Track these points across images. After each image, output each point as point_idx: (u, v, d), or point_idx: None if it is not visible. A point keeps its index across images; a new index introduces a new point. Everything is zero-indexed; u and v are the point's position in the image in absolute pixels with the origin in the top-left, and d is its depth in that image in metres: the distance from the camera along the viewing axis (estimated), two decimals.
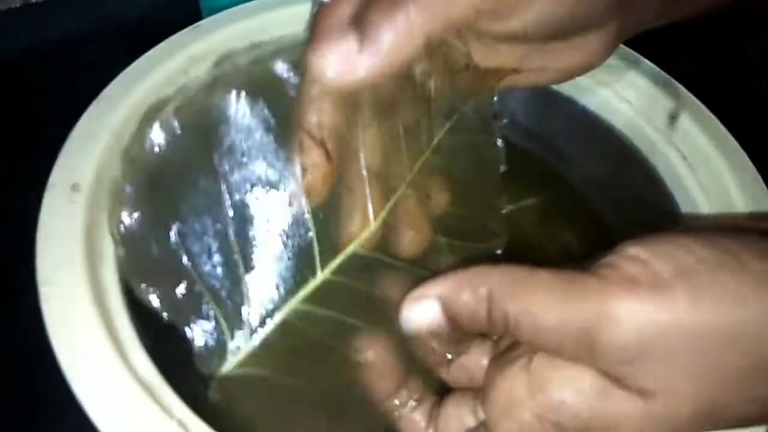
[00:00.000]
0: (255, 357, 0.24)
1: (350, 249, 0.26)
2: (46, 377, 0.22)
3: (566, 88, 0.36)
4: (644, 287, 0.18)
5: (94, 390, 0.22)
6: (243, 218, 0.24)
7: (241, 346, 0.24)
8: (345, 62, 0.22)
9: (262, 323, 0.24)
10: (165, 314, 0.23)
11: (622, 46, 0.36)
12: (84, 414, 0.21)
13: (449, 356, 0.25)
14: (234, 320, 0.24)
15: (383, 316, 0.25)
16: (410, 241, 0.26)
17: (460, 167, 0.29)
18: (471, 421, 0.24)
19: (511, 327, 0.20)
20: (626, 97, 0.35)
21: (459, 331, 0.22)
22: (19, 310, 0.25)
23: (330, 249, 0.25)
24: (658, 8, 0.27)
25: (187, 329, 0.24)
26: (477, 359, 0.25)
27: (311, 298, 0.25)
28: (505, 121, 0.37)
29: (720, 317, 0.18)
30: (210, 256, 0.24)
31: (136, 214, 0.23)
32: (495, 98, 0.29)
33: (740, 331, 0.18)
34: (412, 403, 0.25)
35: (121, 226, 0.23)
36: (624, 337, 0.18)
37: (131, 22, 0.56)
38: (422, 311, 0.22)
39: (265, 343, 0.24)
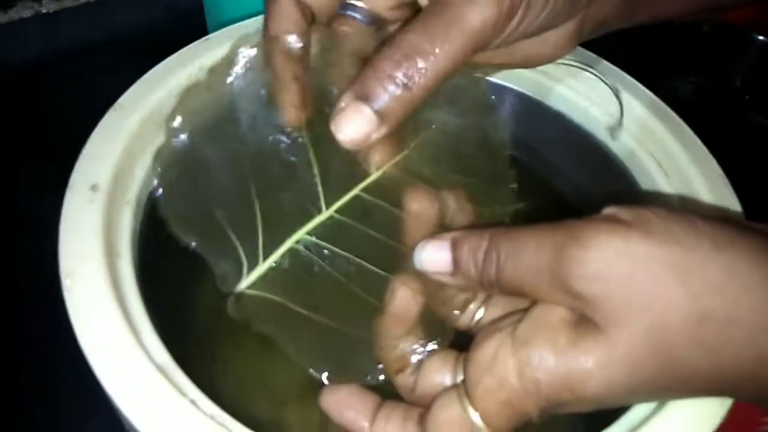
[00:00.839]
0: (267, 280, 0.27)
1: (353, 192, 0.29)
2: (69, 362, 0.24)
3: (554, 102, 0.38)
4: (606, 222, 0.21)
5: (113, 372, 0.23)
6: (258, 165, 0.28)
7: (254, 268, 0.27)
8: (364, 137, 0.26)
9: (273, 249, 0.27)
10: (193, 243, 0.27)
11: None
12: (105, 393, 0.23)
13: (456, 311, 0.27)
14: (248, 246, 0.27)
15: (389, 261, 0.27)
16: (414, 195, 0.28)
17: (466, 146, 0.31)
18: (449, 382, 0.25)
19: (500, 264, 0.23)
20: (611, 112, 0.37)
21: (460, 279, 0.24)
22: (44, 301, 0.27)
23: (335, 190, 0.29)
24: (620, 6, 0.29)
25: (209, 254, 0.27)
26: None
27: (316, 231, 0.28)
28: None
29: (668, 254, 0.20)
30: (231, 195, 0.28)
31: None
32: (484, 80, 0.32)
33: (686, 271, 0.20)
34: (422, 352, 0.26)
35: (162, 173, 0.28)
36: (586, 252, 0.21)
37: (140, 34, 0.58)
38: (435, 250, 0.25)
39: (276, 268, 0.27)
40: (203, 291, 0.32)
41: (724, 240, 0.20)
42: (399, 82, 0.25)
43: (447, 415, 0.24)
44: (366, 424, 0.25)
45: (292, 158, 0.29)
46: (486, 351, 0.23)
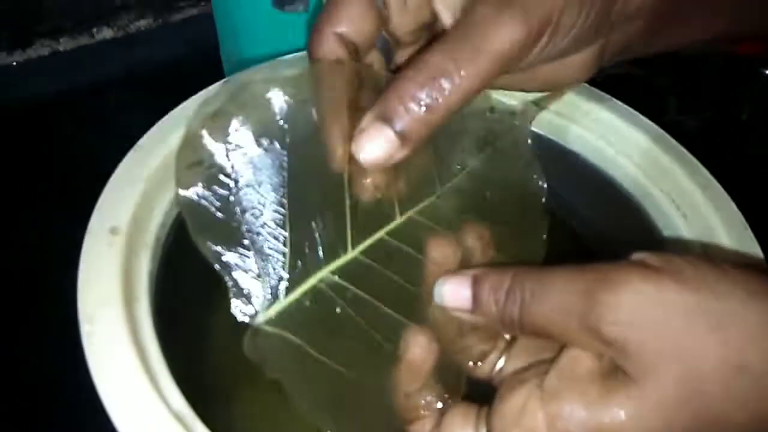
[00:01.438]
0: (286, 317, 0.26)
1: (379, 234, 0.28)
2: (86, 411, 0.24)
3: (569, 141, 0.38)
4: (637, 268, 0.21)
5: (130, 420, 0.23)
6: (295, 192, 0.27)
7: (275, 302, 0.26)
8: (386, 158, 0.26)
9: (296, 284, 0.26)
10: (216, 266, 0.26)
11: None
12: None
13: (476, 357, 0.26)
14: (272, 278, 0.26)
15: (409, 306, 0.27)
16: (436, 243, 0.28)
17: (498, 193, 0.31)
18: None
19: (525, 304, 0.22)
20: (627, 152, 0.38)
21: (480, 317, 0.24)
22: (63, 346, 0.27)
23: (361, 230, 0.28)
24: (640, 31, 0.29)
25: (230, 279, 0.26)
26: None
27: (341, 271, 0.27)
28: None
29: (702, 302, 0.20)
30: (258, 219, 0.26)
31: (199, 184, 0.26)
32: (529, 129, 0.32)
33: (720, 320, 0.20)
34: (436, 403, 0.26)
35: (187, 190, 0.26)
36: (618, 297, 0.20)
37: (156, 71, 0.59)
38: (455, 286, 0.25)
39: (298, 306, 0.26)
40: (223, 334, 0.32)
41: (757, 288, 0.20)
42: (422, 103, 0.25)
43: None
44: None
45: (330, 191, 0.28)
46: (513, 403, 0.23)
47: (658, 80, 0.59)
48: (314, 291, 0.27)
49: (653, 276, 0.21)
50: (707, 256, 0.24)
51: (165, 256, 0.30)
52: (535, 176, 0.32)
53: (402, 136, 0.25)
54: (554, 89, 0.31)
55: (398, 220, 0.29)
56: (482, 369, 0.27)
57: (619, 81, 0.39)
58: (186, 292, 0.28)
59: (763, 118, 0.59)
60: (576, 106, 0.38)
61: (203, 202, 0.26)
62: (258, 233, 0.26)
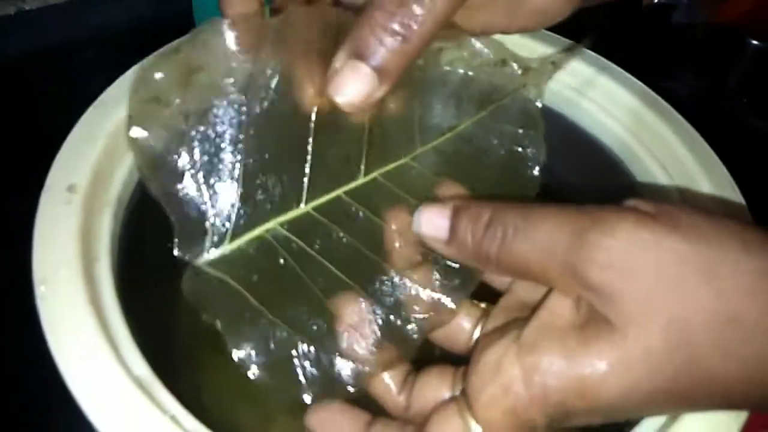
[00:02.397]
0: (229, 262, 0.25)
1: (336, 192, 0.27)
2: (42, 376, 0.22)
3: (555, 103, 0.37)
4: (630, 212, 0.20)
5: (89, 386, 0.22)
6: (256, 135, 0.25)
7: (220, 244, 0.25)
8: (365, 98, 0.24)
9: (242, 230, 0.25)
10: (163, 202, 0.25)
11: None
12: (80, 410, 0.22)
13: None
14: (220, 220, 0.25)
15: (359, 270, 0.26)
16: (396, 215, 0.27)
17: (486, 157, 0.30)
18: (447, 395, 0.23)
19: (507, 239, 0.21)
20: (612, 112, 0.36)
21: (454, 250, 0.23)
22: (17, 309, 0.25)
23: (318, 187, 0.26)
24: None
25: (175, 217, 0.25)
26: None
27: (290, 225, 0.26)
28: None
29: (697, 251, 0.19)
30: (212, 162, 0.25)
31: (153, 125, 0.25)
32: (542, 98, 0.31)
33: (715, 271, 0.19)
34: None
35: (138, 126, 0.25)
36: (610, 240, 0.19)
37: (126, 32, 0.56)
38: (434, 215, 0.23)
39: (242, 252, 0.25)
40: (185, 298, 0.31)
41: (753, 242, 0.19)
42: (396, 32, 0.23)
43: (447, 429, 0.22)
44: None
45: (291, 140, 0.26)
46: (489, 357, 0.21)
47: (644, 52, 0.59)
48: (260, 240, 0.26)
49: (648, 221, 0.19)
50: (697, 205, 0.23)
51: (128, 216, 0.29)
52: (533, 144, 0.30)
53: (379, 71, 0.24)
54: (539, 25, 0.29)
55: (361, 180, 0.27)
56: (461, 339, 0.26)
57: (607, 51, 0.38)
58: (150, 254, 0.26)
59: (753, 87, 0.59)
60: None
61: (155, 138, 0.24)
62: (209, 175, 0.25)
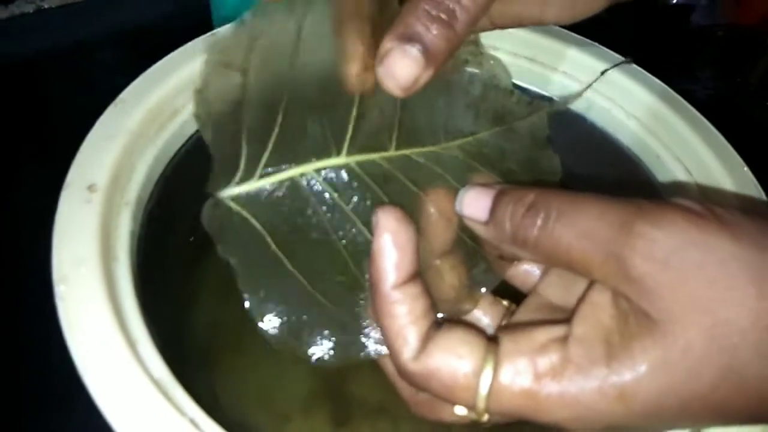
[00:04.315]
0: (253, 199, 0.24)
1: (376, 155, 0.26)
2: (60, 375, 0.22)
3: (574, 104, 0.37)
4: (679, 207, 0.19)
5: (108, 388, 0.22)
6: (298, 80, 0.25)
7: (247, 180, 0.24)
8: (413, 80, 0.24)
9: (275, 169, 0.25)
10: (205, 134, 0.24)
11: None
12: (98, 411, 0.21)
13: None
14: (252, 154, 0.25)
15: None
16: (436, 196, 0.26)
17: (505, 162, 0.29)
18: (472, 371, 0.21)
19: (549, 223, 0.20)
20: (632, 112, 0.36)
21: (491, 232, 0.22)
22: (36, 308, 0.25)
23: (358, 143, 0.26)
24: None
25: (215, 151, 0.24)
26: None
27: (326, 173, 0.25)
28: None
29: (744, 251, 0.18)
30: (258, 101, 0.25)
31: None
32: (547, 130, 0.31)
33: (761, 273, 0.18)
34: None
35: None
36: (657, 232, 0.19)
37: (144, 29, 0.56)
38: (477, 194, 0.23)
39: (269, 192, 0.24)
40: (205, 297, 0.31)
41: None
42: (441, 18, 0.24)
43: (458, 363, 0.21)
44: (391, 280, 0.22)
45: (335, 90, 0.26)
46: (536, 335, 0.21)
47: (664, 53, 0.58)
48: (292, 182, 0.25)
49: (696, 219, 0.19)
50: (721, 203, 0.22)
51: (147, 215, 0.29)
52: (549, 158, 0.31)
53: (427, 55, 0.24)
54: (571, 19, 0.29)
55: (392, 153, 0.27)
56: None
57: (627, 53, 0.37)
58: (169, 253, 0.26)
59: None
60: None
61: (215, 92, 0.25)
62: (252, 110, 0.25)
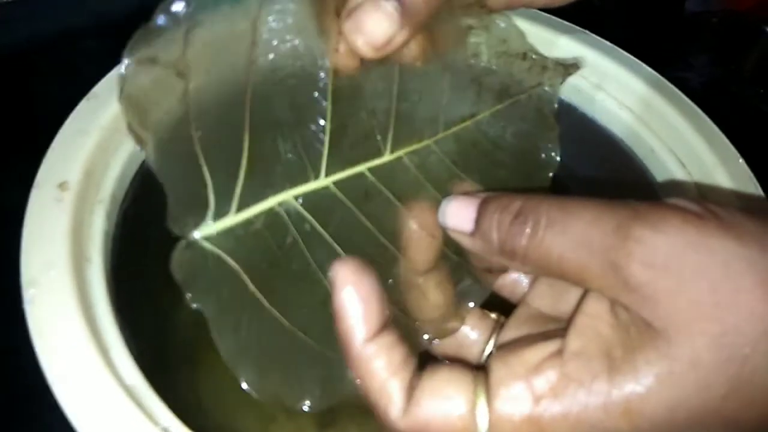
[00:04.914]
0: (230, 237, 0.22)
1: (360, 167, 0.24)
2: (28, 382, 0.21)
3: (566, 94, 0.36)
4: (676, 209, 0.18)
5: (77, 395, 0.21)
6: (262, 95, 0.23)
7: (222, 217, 0.22)
8: (386, 38, 0.22)
9: (250, 202, 0.22)
10: (155, 167, 0.21)
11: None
12: (67, 421, 0.21)
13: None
14: (222, 188, 0.22)
15: (371, 258, 0.22)
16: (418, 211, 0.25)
17: (501, 152, 0.28)
18: (466, 410, 0.19)
19: (538, 232, 0.19)
20: (625, 102, 0.35)
21: (478, 244, 0.21)
22: (3, 312, 0.24)
23: (340, 158, 0.24)
24: None
25: (169, 186, 0.21)
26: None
27: (305, 198, 0.23)
28: None
29: (747, 252, 0.17)
30: (213, 121, 0.22)
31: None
32: (556, 102, 0.29)
33: (766, 274, 0.17)
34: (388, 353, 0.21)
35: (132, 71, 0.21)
36: (655, 237, 0.18)
37: (127, 16, 0.55)
38: (460, 205, 0.22)
39: (245, 226, 0.22)
40: (182, 300, 0.30)
41: None
42: None
43: (449, 405, 0.19)
44: (361, 336, 0.20)
45: (308, 100, 0.23)
46: (526, 358, 0.19)
47: (658, 41, 0.58)
48: (270, 213, 0.23)
49: (695, 220, 0.18)
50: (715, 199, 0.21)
51: (122, 214, 0.28)
52: (549, 145, 0.29)
53: (403, 11, 0.22)
54: (555, 1, 0.27)
55: (386, 158, 0.25)
56: (470, 354, 0.24)
57: (621, 40, 0.36)
58: (145, 255, 0.25)
59: (766, 75, 0.58)
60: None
61: (147, 97, 0.21)
62: (210, 135, 0.22)
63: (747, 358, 0.17)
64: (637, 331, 0.18)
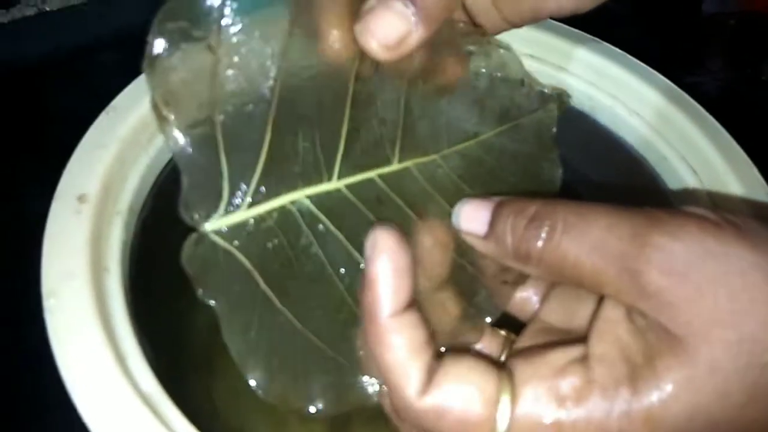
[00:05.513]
0: (242, 232, 0.22)
1: (370, 173, 0.24)
2: (47, 389, 0.22)
3: (577, 101, 0.36)
4: (693, 216, 0.18)
5: (95, 402, 0.21)
6: (286, 99, 0.22)
7: (234, 210, 0.22)
8: (399, 39, 0.22)
9: (264, 198, 0.22)
10: (175, 153, 0.21)
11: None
12: (85, 426, 0.21)
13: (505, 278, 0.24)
14: (237, 180, 0.22)
15: None
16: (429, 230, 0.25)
17: (505, 170, 0.28)
18: (487, 405, 0.19)
19: (555, 236, 0.19)
20: (637, 111, 0.35)
21: (492, 247, 0.21)
22: (25, 321, 0.25)
23: (351, 164, 0.24)
24: None
25: (186, 173, 0.21)
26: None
27: (318, 199, 0.23)
28: None
29: (763, 260, 0.17)
30: (236, 114, 0.22)
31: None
32: (554, 127, 0.30)
33: None
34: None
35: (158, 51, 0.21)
36: (674, 244, 0.18)
37: (145, 30, 0.56)
38: (475, 207, 0.22)
39: (257, 224, 0.22)
40: (199, 308, 0.30)
41: None
42: None
43: (471, 397, 0.19)
44: (388, 309, 0.20)
45: (327, 106, 0.23)
46: (553, 356, 0.19)
47: (673, 43, 0.58)
48: (282, 211, 0.22)
49: (713, 228, 0.18)
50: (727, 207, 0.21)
51: (140, 225, 0.28)
52: (551, 165, 0.29)
53: (417, 12, 0.21)
54: (594, 3, 0.26)
55: (395, 167, 0.25)
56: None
57: (635, 42, 0.36)
58: (162, 265, 0.26)
59: None
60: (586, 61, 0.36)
61: (178, 76, 0.21)
62: (231, 127, 0.21)
63: (765, 366, 0.17)
64: (656, 337, 0.18)
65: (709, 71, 0.58)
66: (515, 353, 0.22)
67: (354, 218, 0.23)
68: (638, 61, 0.36)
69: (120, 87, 0.30)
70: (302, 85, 0.23)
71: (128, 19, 0.58)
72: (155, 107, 0.21)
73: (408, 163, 0.26)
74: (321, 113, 0.23)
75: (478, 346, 0.24)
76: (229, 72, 0.21)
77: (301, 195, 0.23)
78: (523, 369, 0.19)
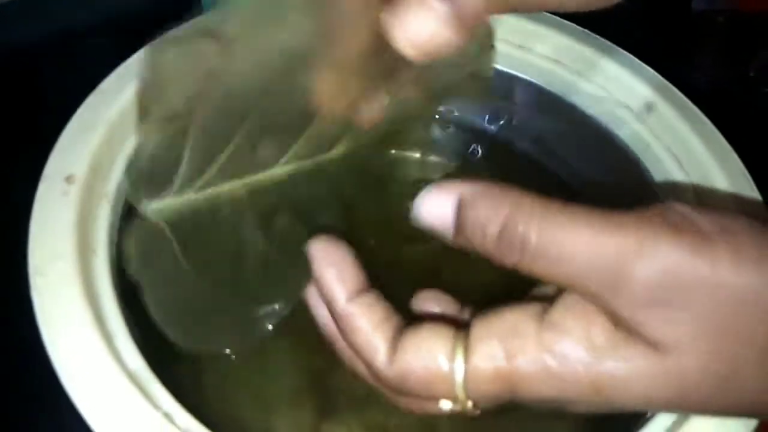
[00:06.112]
0: (175, 213, 0.24)
1: (318, 158, 0.26)
2: (34, 368, 0.22)
3: (563, 91, 0.36)
4: (687, 234, 0.17)
5: (82, 381, 0.22)
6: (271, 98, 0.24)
7: (180, 193, 0.24)
8: (430, 39, 0.20)
9: (209, 184, 0.24)
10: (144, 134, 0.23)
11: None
12: (72, 404, 0.21)
13: None
14: (193, 172, 0.23)
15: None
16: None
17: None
18: (444, 363, 0.20)
19: (528, 252, 0.18)
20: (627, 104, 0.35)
21: (463, 243, 0.20)
22: (11, 300, 0.25)
23: (301, 154, 0.26)
24: None
25: (137, 158, 0.24)
26: None
27: (252, 188, 0.25)
28: (501, 122, 0.38)
29: (757, 286, 0.17)
30: (222, 114, 0.23)
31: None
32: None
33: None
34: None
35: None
36: (657, 276, 0.17)
37: (132, 15, 0.56)
38: (436, 203, 0.20)
39: (193, 207, 0.24)
40: None
41: None
42: None
43: (429, 358, 0.20)
44: (342, 297, 0.22)
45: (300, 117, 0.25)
46: (507, 316, 0.20)
47: (663, 41, 0.58)
48: (218, 196, 0.24)
49: (706, 249, 0.17)
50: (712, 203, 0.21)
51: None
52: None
53: (454, 13, 0.19)
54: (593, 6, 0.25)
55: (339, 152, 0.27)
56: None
57: (625, 37, 0.37)
58: None
59: None
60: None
61: (173, 62, 0.23)
62: (211, 111, 0.23)
63: (740, 379, 0.18)
64: (628, 335, 0.18)
65: (698, 68, 0.58)
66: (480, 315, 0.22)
67: (282, 212, 0.25)
68: (628, 54, 0.36)
69: (107, 71, 0.31)
70: (287, 92, 0.24)
71: (117, 4, 0.58)
72: (139, 104, 0.24)
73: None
74: (289, 120, 0.25)
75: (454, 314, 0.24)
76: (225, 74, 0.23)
77: (240, 184, 0.25)
78: (479, 327, 0.20)
